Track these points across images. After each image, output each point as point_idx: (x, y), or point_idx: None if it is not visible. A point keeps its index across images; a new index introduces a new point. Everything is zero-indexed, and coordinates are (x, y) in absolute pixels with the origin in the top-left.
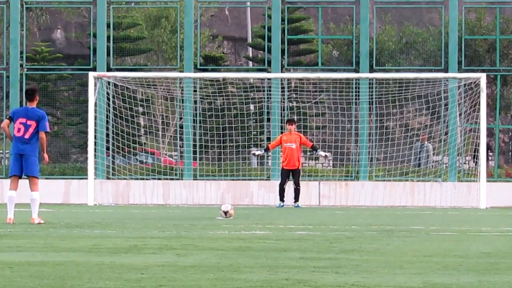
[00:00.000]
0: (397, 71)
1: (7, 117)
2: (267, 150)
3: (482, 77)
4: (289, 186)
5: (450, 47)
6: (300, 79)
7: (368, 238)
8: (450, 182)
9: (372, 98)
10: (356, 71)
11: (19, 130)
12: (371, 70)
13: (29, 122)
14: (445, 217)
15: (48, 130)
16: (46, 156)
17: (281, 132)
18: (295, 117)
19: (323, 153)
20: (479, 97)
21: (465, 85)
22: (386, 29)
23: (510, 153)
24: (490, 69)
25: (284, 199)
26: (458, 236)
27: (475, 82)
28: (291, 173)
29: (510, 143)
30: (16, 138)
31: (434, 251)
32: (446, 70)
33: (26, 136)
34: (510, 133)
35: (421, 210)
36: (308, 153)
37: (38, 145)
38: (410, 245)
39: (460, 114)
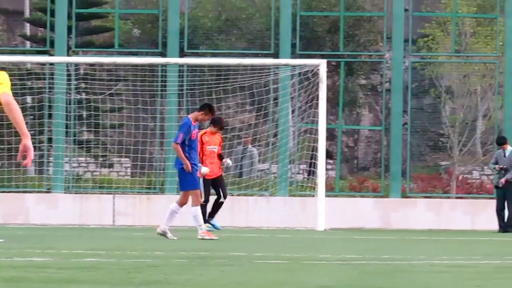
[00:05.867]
0: (215, 55)
1: None
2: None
3: (322, 65)
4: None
5: (281, 26)
6: (91, 65)
7: (175, 267)
8: (279, 197)
9: (182, 90)
10: (163, 54)
11: None
12: (182, 54)
13: None
14: (273, 240)
15: (177, 141)
16: (186, 164)
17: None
18: (84, 113)
19: (229, 161)
20: (317, 89)
21: (300, 74)
22: (201, 2)
23: (355, 161)
24: (331, 54)
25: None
26: (290, 265)
27: (312, 71)
28: (213, 183)
29: (356, 148)
30: None
31: (260, 284)
32: (276, 55)
33: None
34: (356, 136)
35: (242, 232)
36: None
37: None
38: (229, 276)
39: (293, 111)
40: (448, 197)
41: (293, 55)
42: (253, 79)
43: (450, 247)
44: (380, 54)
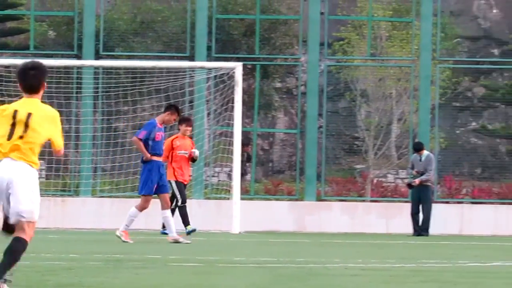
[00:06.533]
0: (130, 58)
1: None
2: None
3: (238, 67)
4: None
5: (197, 29)
6: (6, 67)
7: (90, 270)
8: (194, 200)
9: (98, 92)
10: (78, 57)
11: None
12: (97, 56)
13: None
14: (189, 244)
15: (138, 135)
16: (146, 155)
17: None
18: None
19: (197, 152)
20: (233, 92)
21: (215, 77)
22: (116, 5)
23: (270, 164)
24: (247, 57)
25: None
26: (204, 268)
27: (228, 74)
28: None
29: (271, 151)
30: None
31: (175, 287)
32: (192, 58)
33: None
34: (271, 139)
35: (158, 235)
36: None
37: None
38: (144, 279)
39: (208, 114)
40: (363, 201)
41: (209, 58)
42: (169, 82)
43: (364, 250)
44: (296, 57)
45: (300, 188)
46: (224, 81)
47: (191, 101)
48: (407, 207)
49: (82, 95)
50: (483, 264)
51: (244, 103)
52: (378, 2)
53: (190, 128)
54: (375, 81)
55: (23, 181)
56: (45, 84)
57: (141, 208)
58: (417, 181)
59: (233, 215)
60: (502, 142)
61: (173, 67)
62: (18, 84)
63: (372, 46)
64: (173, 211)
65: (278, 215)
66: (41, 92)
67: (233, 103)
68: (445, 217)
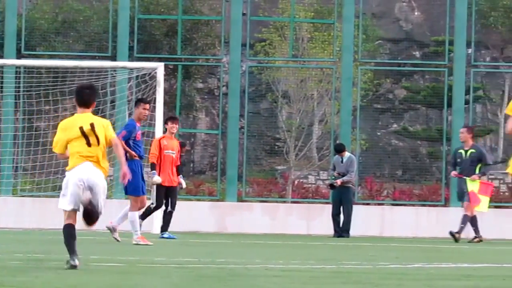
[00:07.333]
0: (52, 57)
1: None
2: (154, 167)
3: (159, 68)
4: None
5: (119, 29)
6: None
7: (11, 269)
8: (116, 200)
9: (19, 91)
10: (0, 56)
11: None
12: (19, 55)
13: None
14: (109, 243)
15: (119, 136)
16: (130, 153)
17: None
18: None
19: (183, 183)
20: (154, 92)
21: (137, 77)
22: (38, 4)
23: (191, 165)
24: (169, 58)
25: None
26: (125, 268)
27: (150, 74)
28: (166, 191)
29: (192, 151)
30: None
31: (96, 286)
32: (114, 58)
33: None
34: (192, 139)
35: (78, 235)
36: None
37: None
38: (65, 279)
39: (130, 114)
40: (284, 202)
41: (131, 58)
42: (91, 81)
43: (285, 251)
44: (218, 58)
45: (221, 189)
46: (146, 81)
47: (112, 101)
48: (328, 209)
49: (3, 94)
50: (403, 266)
51: (165, 103)
52: (300, 3)
53: (176, 126)
54: (296, 82)
55: (99, 183)
56: (95, 102)
57: (135, 209)
58: (338, 181)
59: (153, 215)
60: (423, 144)
61: (95, 67)
62: (74, 100)
63: (294, 47)
64: (149, 213)
65: (199, 215)
66: (92, 108)
67: (154, 103)
68: (366, 219)
